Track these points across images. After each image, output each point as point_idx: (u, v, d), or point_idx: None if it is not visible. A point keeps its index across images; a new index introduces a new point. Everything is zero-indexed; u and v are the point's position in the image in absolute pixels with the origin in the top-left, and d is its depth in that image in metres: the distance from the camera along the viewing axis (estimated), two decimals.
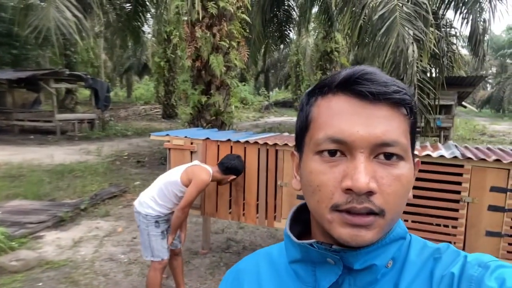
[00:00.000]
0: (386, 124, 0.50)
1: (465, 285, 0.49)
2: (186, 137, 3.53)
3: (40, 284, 3.50)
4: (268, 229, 4.87)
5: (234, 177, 3.16)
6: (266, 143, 3.24)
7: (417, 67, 5.15)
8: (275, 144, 3.21)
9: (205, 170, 2.97)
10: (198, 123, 7.50)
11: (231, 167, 3.07)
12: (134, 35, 12.29)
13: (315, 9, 12.99)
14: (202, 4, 7.01)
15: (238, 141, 3.32)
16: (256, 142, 3.27)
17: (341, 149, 0.50)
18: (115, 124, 15.95)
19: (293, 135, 4.03)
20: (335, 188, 0.50)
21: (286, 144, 3.16)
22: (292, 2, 12.80)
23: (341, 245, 0.52)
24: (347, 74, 0.51)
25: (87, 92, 17.30)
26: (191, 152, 3.49)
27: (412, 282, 0.54)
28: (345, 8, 5.45)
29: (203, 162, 3.41)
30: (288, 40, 14.03)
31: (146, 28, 17.36)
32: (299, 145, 0.58)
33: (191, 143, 3.49)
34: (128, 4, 11.53)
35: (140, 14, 11.62)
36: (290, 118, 22.04)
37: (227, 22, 7.34)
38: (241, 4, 7.58)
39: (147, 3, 11.81)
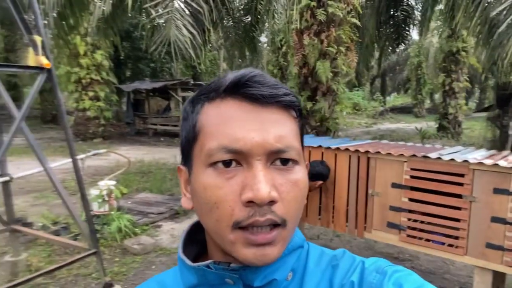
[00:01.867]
0: (280, 129, 0.48)
1: None
2: None
3: (154, 267, 4.05)
4: (365, 240, 4.69)
5: (321, 182, 3.19)
6: (357, 150, 3.19)
7: None
8: (367, 152, 3.13)
9: None
10: (303, 129, 7.60)
11: (316, 174, 3.13)
12: (250, 46, 13.03)
13: (438, 6, 11.93)
14: (311, 12, 7.12)
15: (329, 148, 3.33)
16: (347, 149, 3.24)
17: (236, 158, 0.47)
18: None
19: (393, 142, 3.82)
20: (235, 203, 0.46)
21: (378, 152, 3.05)
22: (412, 1, 12.00)
23: (239, 262, 0.49)
24: (235, 77, 0.49)
25: None
26: None
27: None
28: (461, 3, 4.91)
29: None
30: (407, 42, 13.16)
31: (262, 38, 18.25)
32: (187, 158, 0.53)
33: None
34: (246, 17, 12.32)
35: (256, 25, 12.29)
36: (408, 124, 20.52)
37: (335, 27, 7.28)
38: (351, 8, 7.45)
39: (264, 15, 12.42)
